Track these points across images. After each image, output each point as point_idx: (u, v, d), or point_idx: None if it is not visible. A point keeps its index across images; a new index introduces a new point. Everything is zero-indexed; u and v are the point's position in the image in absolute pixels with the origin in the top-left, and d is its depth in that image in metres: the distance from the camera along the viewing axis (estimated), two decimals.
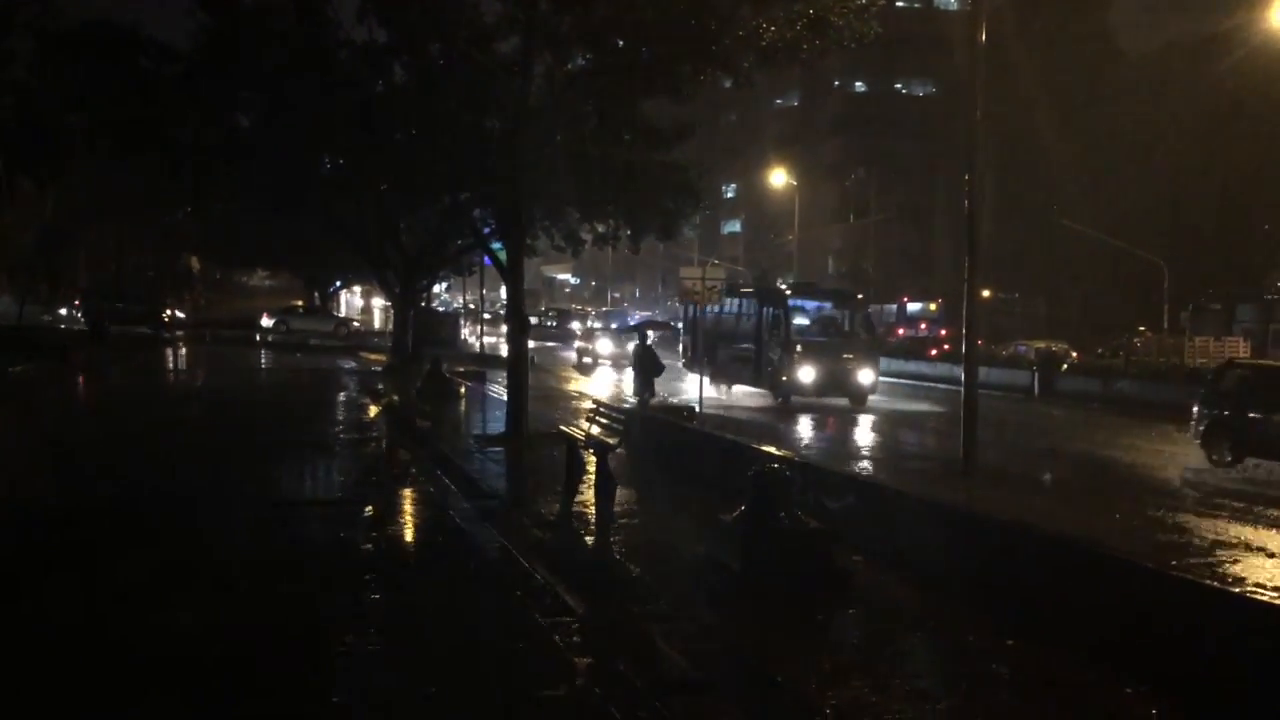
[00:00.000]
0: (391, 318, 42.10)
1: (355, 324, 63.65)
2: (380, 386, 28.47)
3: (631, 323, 57.62)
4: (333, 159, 26.84)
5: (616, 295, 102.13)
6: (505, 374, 21.08)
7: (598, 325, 55.85)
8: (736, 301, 30.93)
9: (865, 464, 18.05)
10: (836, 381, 27.30)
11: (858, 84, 79.09)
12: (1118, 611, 7.37)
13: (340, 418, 22.83)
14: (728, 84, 19.46)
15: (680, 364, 32.58)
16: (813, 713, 6.29)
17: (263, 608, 8.31)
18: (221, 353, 42.02)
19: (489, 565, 9.97)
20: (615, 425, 13.89)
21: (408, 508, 13.00)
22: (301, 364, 38.23)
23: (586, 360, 42.86)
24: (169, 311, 57.69)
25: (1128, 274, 48.20)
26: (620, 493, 13.09)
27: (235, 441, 17.90)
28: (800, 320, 29.24)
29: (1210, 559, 10.79)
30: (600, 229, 23.75)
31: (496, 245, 22.41)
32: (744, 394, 29.32)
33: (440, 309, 72.90)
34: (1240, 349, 37.23)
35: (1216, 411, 18.37)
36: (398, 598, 8.82)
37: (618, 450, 13.73)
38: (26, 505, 12.10)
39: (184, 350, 44.35)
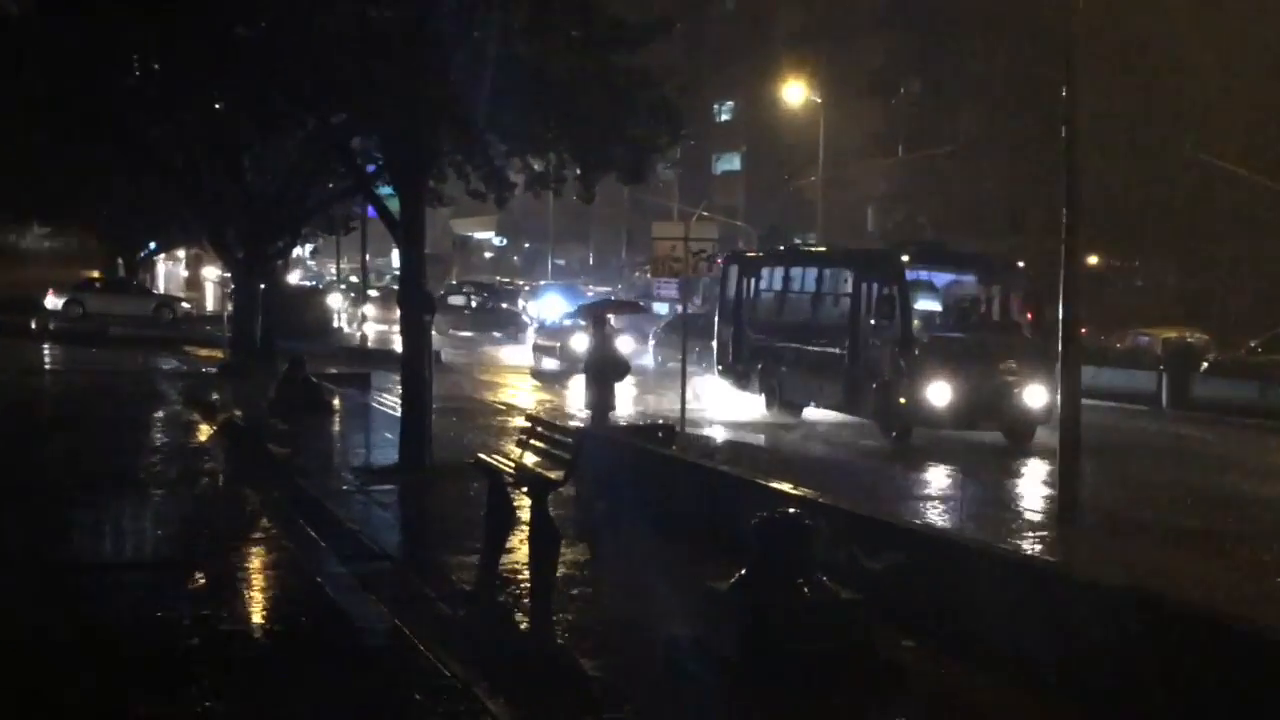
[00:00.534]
0: (231, 296, 41.84)
1: (185, 305, 63.36)
2: (216, 397, 28.35)
3: (581, 303, 57.63)
4: (143, 62, 26.70)
5: (560, 262, 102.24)
6: (399, 379, 21.02)
7: (568, 313, 55.67)
8: (808, 272, 29.24)
9: (922, 505, 18.17)
10: (989, 404, 24.37)
11: None
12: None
13: (158, 443, 22.69)
14: None
15: (715, 373, 31.97)
16: None
17: None
18: None
19: (375, 657, 9.96)
20: (559, 452, 13.90)
21: (256, 574, 12.96)
22: (102, 364, 37.95)
23: (550, 364, 41.97)
24: None
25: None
26: (567, 549, 13.10)
27: (3, 480, 17.74)
28: (926, 303, 25.96)
29: None
30: (537, 167, 23.77)
31: (386, 190, 22.35)
32: (824, 421, 27.39)
33: (308, 284, 72.82)
34: None
35: None
36: (241, 705, 8.78)
37: (563, 488, 13.73)
38: None
39: None
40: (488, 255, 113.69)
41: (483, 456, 15.63)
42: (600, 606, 11.48)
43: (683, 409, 23.87)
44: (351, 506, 15.94)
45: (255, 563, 13.31)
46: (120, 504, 16.53)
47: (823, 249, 34.22)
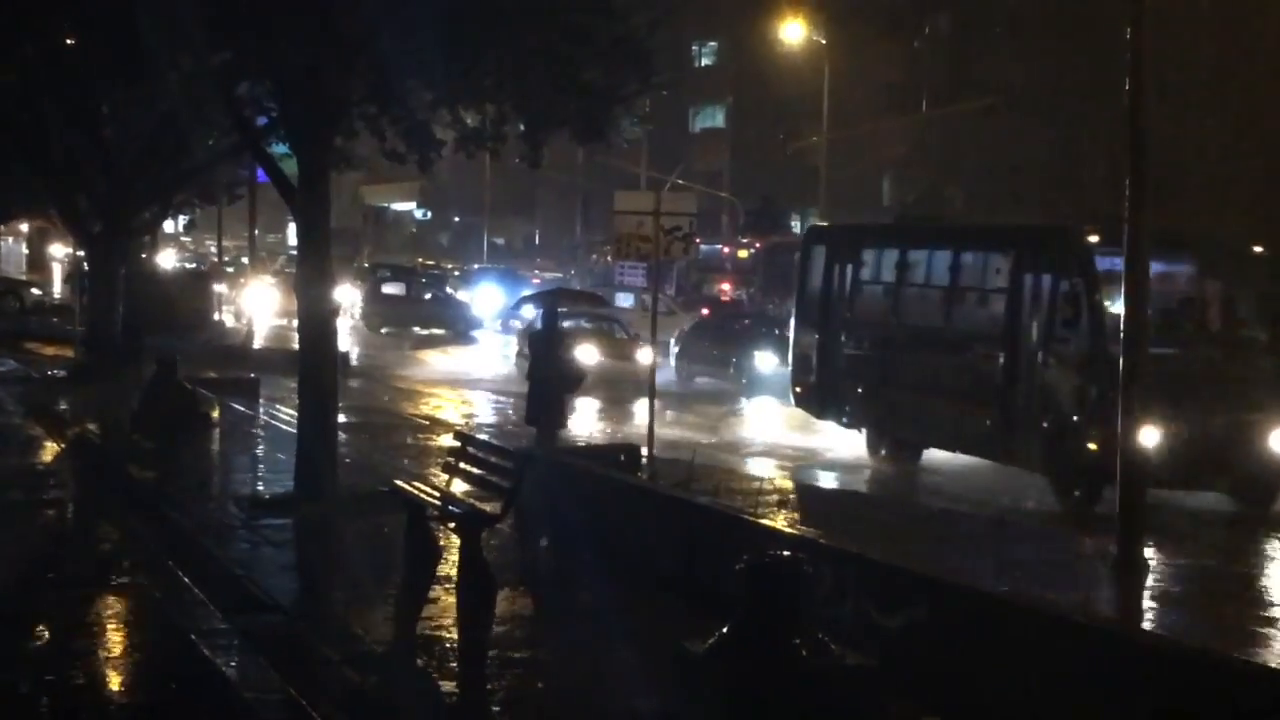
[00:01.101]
0: (85, 281, 41.68)
1: (36, 292, 62.98)
2: (65, 407, 28.27)
3: (525, 293, 57.62)
4: None
5: (499, 241, 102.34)
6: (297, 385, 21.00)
7: (509, 306, 54.83)
8: (937, 257, 25.13)
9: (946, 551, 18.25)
10: (1221, 452, 20.56)
11: None
12: None
13: None
14: None
15: (792, 395, 29.19)
16: None
17: None
18: None
19: None
20: (497, 479, 13.90)
21: (115, 630, 12.98)
22: None
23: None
24: None
25: None
26: (506, 600, 13.12)
27: None
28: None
29: None
30: (470, 122, 23.80)
31: (280, 149, 22.33)
32: (954, 470, 24.24)
33: (189, 265, 72.53)
34: None
35: None
36: None
37: (501, 524, 13.75)
38: None
39: None
40: (411, 232, 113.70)
41: (400, 484, 15.61)
42: (546, 674, 11.53)
43: (650, 429, 23.85)
44: (235, 545, 15.96)
45: (113, 615, 13.33)
46: None
47: (963, 225, 29.69)
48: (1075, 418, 20.88)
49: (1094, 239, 21.93)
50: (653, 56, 22.71)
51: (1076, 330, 21.07)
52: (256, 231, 56.66)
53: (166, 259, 63.15)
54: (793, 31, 65.39)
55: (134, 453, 22.02)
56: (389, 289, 58.74)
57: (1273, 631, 14.03)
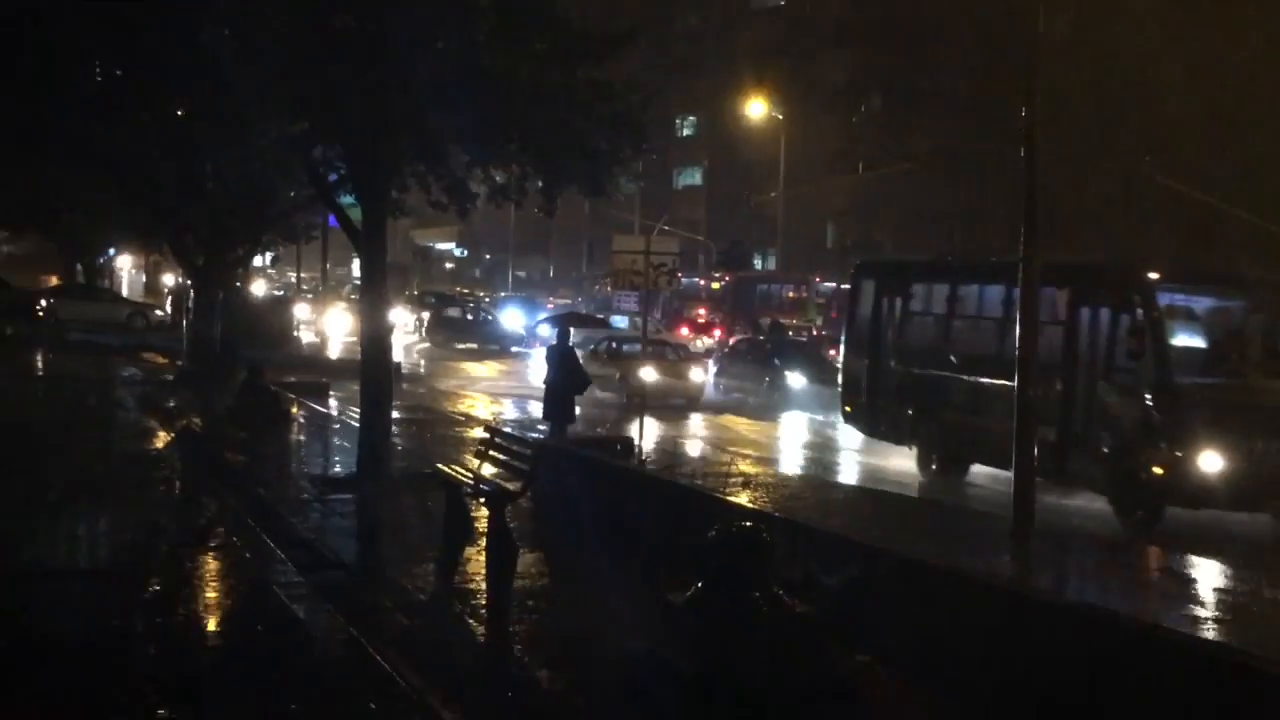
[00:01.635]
0: (188, 303, 41.53)
1: (159, 313, 62.76)
2: (173, 404, 28.19)
3: (540, 316, 57.62)
4: (104, 68, 26.56)
5: (521, 274, 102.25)
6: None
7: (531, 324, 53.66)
8: (990, 291, 22.67)
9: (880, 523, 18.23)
10: (1275, 477, 18.44)
11: None
12: None
13: (113, 449, 22.52)
14: None
15: (841, 413, 26.58)
16: None
17: None
18: None
19: (331, 666, 9.96)
20: (517, 464, 13.88)
21: (212, 582, 12.91)
22: (60, 369, 37.66)
23: (606, 395, 34.17)
24: None
25: (1250, 246, 49.05)
26: (525, 561, 13.10)
27: None
28: (1187, 337, 20.07)
29: None
30: (499, 179, 23.76)
31: (348, 200, 22.30)
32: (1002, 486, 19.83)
33: (276, 292, 72.33)
34: None
35: None
36: (195, 716, 8.73)
37: (521, 500, 13.72)
38: None
39: None
40: (448, 266, 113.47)
41: (441, 467, 15.57)
42: (556, 619, 11.49)
43: (641, 425, 23.80)
44: (308, 515, 15.92)
45: (210, 571, 13.26)
46: (74, 511, 16.41)
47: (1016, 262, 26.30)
48: (1140, 443, 18.61)
49: (1154, 276, 20.27)
50: (644, 128, 22.65)
51: (1141, 361, 18.72)
52: (328, 265, 56.70)
53: (256, 287, 62.94)
54: (755, 109, 65.61)
55: (228, 441, 21.96)
56: (449, 313, 58.90)
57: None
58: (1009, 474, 18.72)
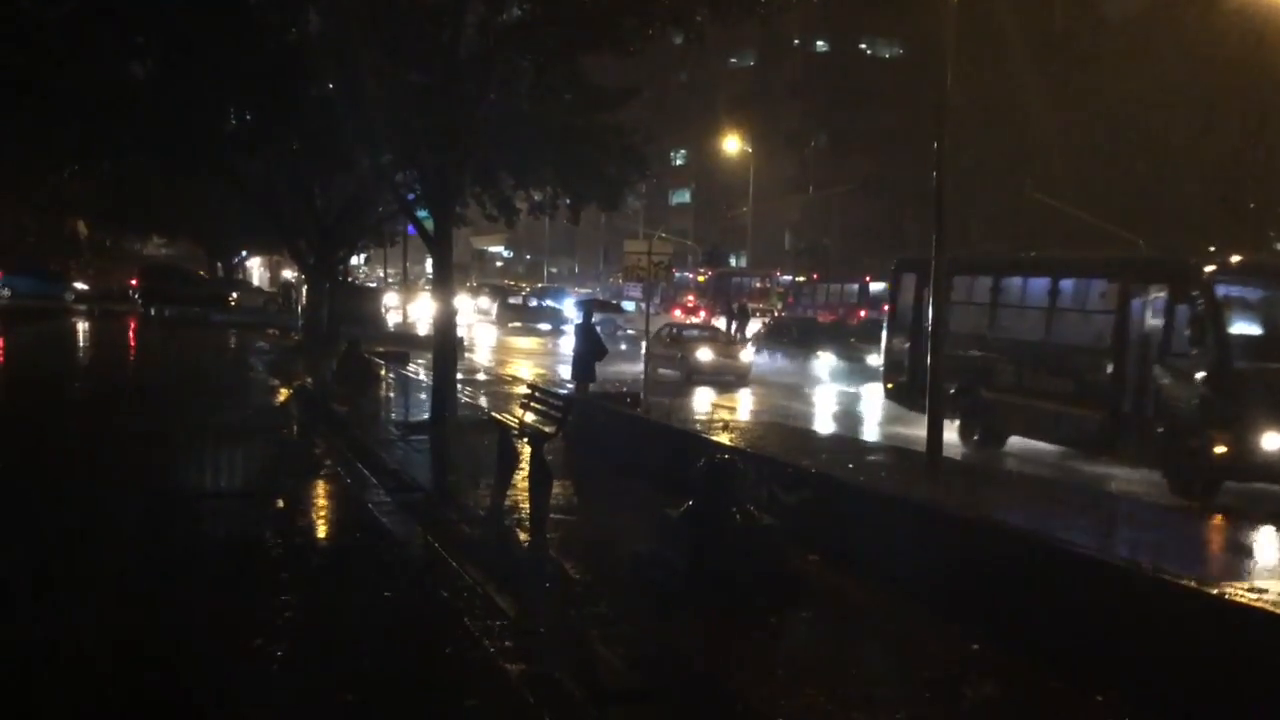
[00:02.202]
0: (291, 293, 41.53)
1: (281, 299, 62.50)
2: (292, 368, 28.19)
3: (567, 301, 57.50)
4: (238, 114, 26.51)
5: (554, 270, 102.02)
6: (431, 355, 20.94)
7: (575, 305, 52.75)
8: (1034, 284, 19.75)
9: (825, 457, 18.24)
10: None
11: (819, 43, 79.44)
12: (1087, 615, 7.55)
13: (247, 401, 22.56)
14: (678, 40, 19.54)
15: (884, 390, 23.10)
16: None
17: (161, 612, 8.22)
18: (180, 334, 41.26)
19: (412, 564, 9.98)
20: (552, 412, 13.87)
21: (322, 501, 12.95)
22: (204, 344, 37.70)
23: (668, 373, 30.30)
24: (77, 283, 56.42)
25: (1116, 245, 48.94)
26: (557, 485, 13.10)
27: (125, 426, 17.61)
28: (1243, 325, 16.83)
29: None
30: (537, 197, 23.75)
31: (422, 213, 22.30)
32: (1047, 458, 18.83)
33: (370, 284, 72.21)
34: None
35: None
36: (311, 599, 8.79)
37: (555, 440, 13.75)
38: None
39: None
40: (498, 264, 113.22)
41: (494, 414, 15.61)
42: (582, 528, 11.52)
43: (645, 380, 23.79)
44: (394, 451, 15.93)
45: (320, 493, 13.31)
46: (221, 448, 16.46)
47: (1066, 256, 22.63)
48: (1199, 424, 15.85)
49: (1212, 268, 17.40)
50: (646, 159, 22.69)
51: (1202, 347, 16.02)
52: (408, 264, 56.55)
53: (353, 279, 62.80)
54: (731, 145, 65.40)
55: (333, 396, 21.97)
56: (513, 300, 58.52)
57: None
58: (1047, 445, 18.65)
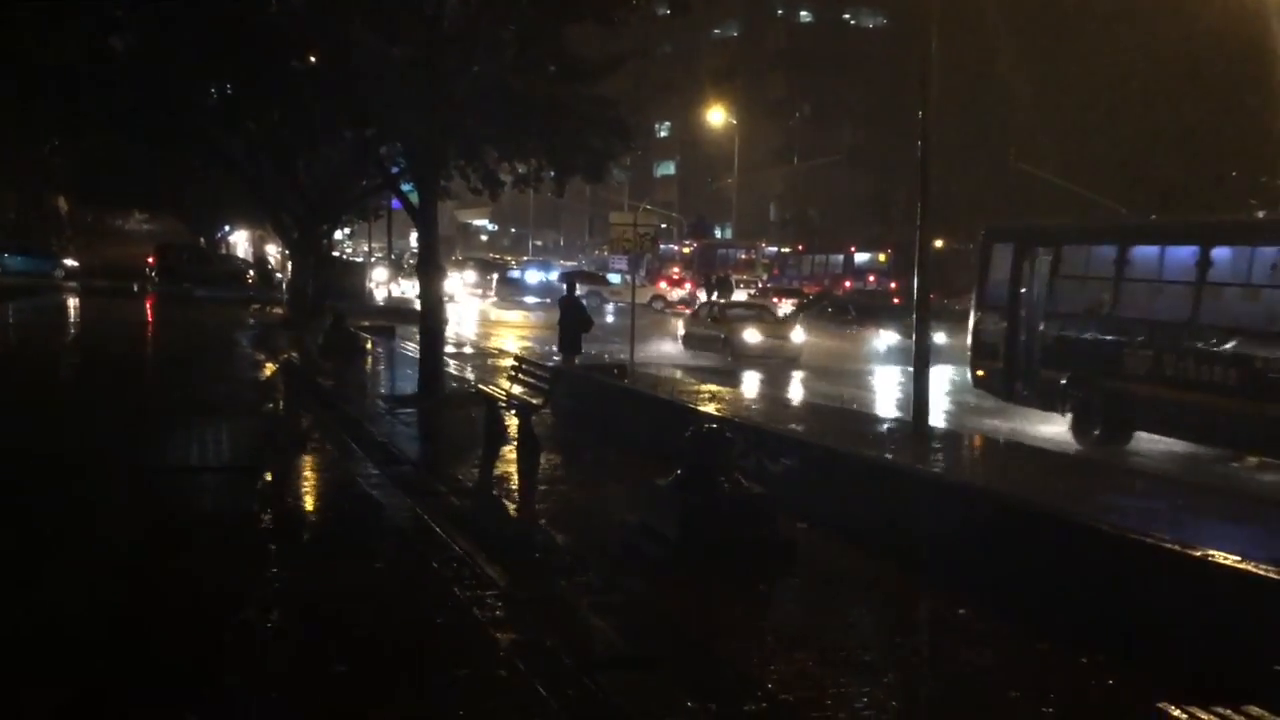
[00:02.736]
0: (288, 267, 41.43)
1: (278, 275, 62.12)
2: (277, 342, 28.10)
3: (546, 275, 57.35)
4: (220, 87, 26.32)
5: (539, 243, 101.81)
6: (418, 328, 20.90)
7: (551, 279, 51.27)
8: (1172, 254, 16.55)
9: (813, 425, 18.30)
10: None
11: (803, 13, 79.30)
12: (1076, 579, 7.61)
13: (232, 376, 22.49)
14: (662, 10, 19.42)
15: (972, 377, 20.15)
16: (754, 687, 6.43)
17: (148, 584, 8.22)
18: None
19: (401, 535, 9.97)
20: (539, 384, 13.92)
21: (309, 474, 12.93)
22: (189, 318, 37.53)
23: (708, 359, 28.62)
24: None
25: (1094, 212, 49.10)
26: (546, 457, 13.15)
27: (111, 402, 17.56)
28: None
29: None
30: (521, 170, 23.64)
31: (407, 187, 22.19)
32: (1181, 455, 16.46)
33: (354, 258, 71.91)
34: None
35: None
36: (299, 570, 8.79)
37: (542, 411, 13.77)
38: None
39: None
40: (483, 238, 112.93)
41: (482, 387, 15.64)
42: (571, 499, 11.53)
43: (631, 351, 23.78)
44: (382, 424, 15.92)
45: (308, 467, 13.27)
46: (202, 423, 16.41)
47: (1216, 220, 18.75)
48: None
49: None
50: (630, 131, 22.56)
51: None
52: (392, 238, 56.33)
53: (337, 253, 62.48)
54: (715, 116, 65.18)
55: (319, 370, 21.95)
56: (511, 275, 58.24)
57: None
58: (1186, 444, 16.08)
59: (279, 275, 59.47)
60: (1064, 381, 17.11)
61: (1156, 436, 16.60)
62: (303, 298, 34.40)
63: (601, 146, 21.49)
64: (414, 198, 20.42)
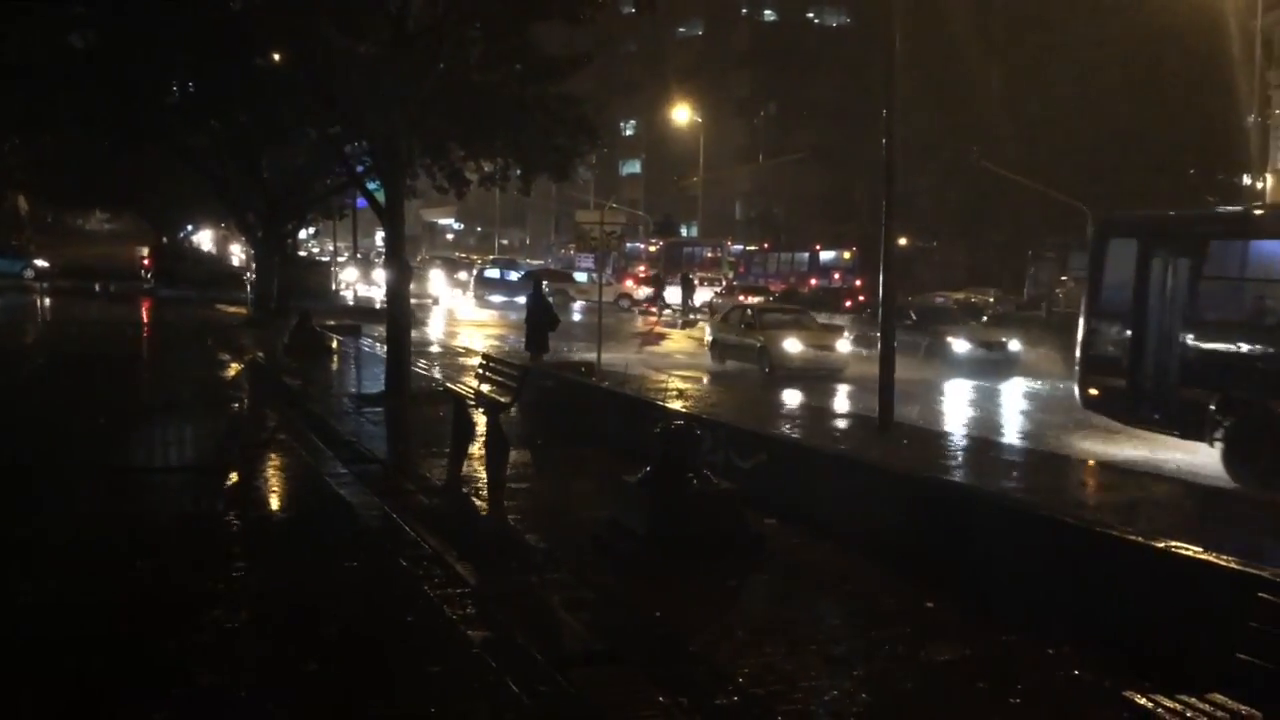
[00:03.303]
0: (252, 265, 41.13)
1: (248, 276, 61.78)
2: (243, 341, 27.92)
3: (517, 274, 57.27)
4: (182, 85, 26.12)
5: (505, 242, 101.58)
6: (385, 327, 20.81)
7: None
8: None
9: (779, 422, 18.35)
10: None
11: (766, 12, 79.54)
12: (1039, 568, 7.69)
13: (197, 375, 22.30)
14: (628, 9, 19.42)
15: (1082, 397, 16.78)
16: (725, 681, 6.45)
17: (115, 587, 8.14)
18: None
19: (371, 534, 9.93)
20: (507, 382, 13.88)
21: (277, 474, 12.85)
22: (153, 317, 37.22)
23: (736, 363, 26.04)
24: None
25: (1051, 220, 49.56)
26: (515, 454, 13.13)
27: (76, 402, 17.39)
28: None
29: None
30: (487, 168, 23.62)
31: (373, 185, 22.11)
32: None
33: (320, 257, 71.48)
34: None
35: None
36: (269, 571, 8.74)
37: (511, 409, 13.74)
38: None
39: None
40: (449, 236, 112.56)
41: (450, 385, 15.58)
42: (540, 496, 11.53)
43: (598, 349, 23.79)
44: (348, 423, 15.85)
45: (275, 467, 13.19)
46: (167, 423, 16.29)
47: None
48: None
49: None
50: (596, 129, 22.59)
51: None
52: (357, 237, 56.04)
53: (302, 253, 62.08)
54: (681, 114, 65.23)
55: (285, 369, 21.82)
56: (489, 274, 58.03)
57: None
58: None
59: (249, 276, 59.18)
60: (1213, 405, 14.00)
61: None
62: (267, 297, 34.20)
63: (567, 144, 21.55)
64: (380, 195, 20.33)
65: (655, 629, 7.41)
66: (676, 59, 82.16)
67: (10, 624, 7.25)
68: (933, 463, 13.43)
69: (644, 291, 53.01)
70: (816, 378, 24.18)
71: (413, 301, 22.01)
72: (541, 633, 7.21)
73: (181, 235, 65.72)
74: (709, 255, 62.37)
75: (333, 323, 30.97)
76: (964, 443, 16.46)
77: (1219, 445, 14.15)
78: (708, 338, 27.57)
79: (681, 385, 21.41)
